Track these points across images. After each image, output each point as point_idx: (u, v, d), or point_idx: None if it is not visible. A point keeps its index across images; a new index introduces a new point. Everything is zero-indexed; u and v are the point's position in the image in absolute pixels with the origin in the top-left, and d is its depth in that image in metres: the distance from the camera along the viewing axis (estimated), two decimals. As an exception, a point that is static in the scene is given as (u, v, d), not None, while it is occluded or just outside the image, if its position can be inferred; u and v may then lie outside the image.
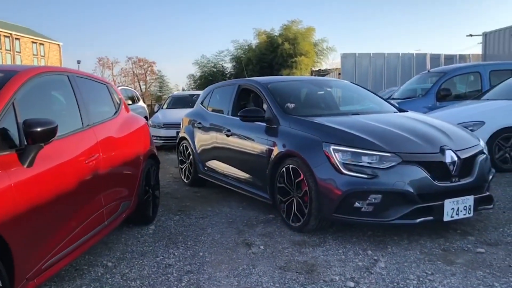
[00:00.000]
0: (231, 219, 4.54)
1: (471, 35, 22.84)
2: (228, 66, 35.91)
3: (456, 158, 3.70)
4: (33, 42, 41.48)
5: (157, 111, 12.70)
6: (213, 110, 6.01)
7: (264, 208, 4.88)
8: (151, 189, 4.43)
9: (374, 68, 17.77)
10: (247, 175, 4.87)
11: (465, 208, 3.65)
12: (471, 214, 3.70)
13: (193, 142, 6.07)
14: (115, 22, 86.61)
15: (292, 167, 3.99)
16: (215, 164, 5.54)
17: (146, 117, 13.64)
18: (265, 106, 4.85)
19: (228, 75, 34.89)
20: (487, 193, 3.93)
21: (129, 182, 3.90)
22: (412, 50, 19.13)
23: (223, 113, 5.60)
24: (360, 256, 3.45)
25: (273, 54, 31.89)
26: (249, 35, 78.37)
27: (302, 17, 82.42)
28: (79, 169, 2.92)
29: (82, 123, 3.24)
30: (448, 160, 3.66)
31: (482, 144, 4.18)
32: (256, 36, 33.90)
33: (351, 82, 6.13)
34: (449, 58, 18.53)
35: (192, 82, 35.46)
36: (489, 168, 4.10)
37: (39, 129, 2.37)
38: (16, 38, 39.01)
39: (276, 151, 4.26)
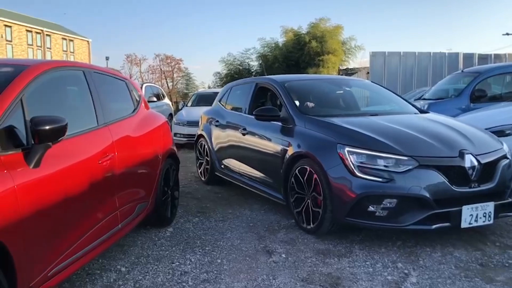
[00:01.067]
0: (251, 223, 4.34)
1: (507, 34, 22.01)
2: (255, 64, 35.72)
3: (476, 163, 3.54)
4: (63, 38, 42.22)
5: (181, 109, 12.62)
6: (230, 108, 5.96)
7: (287, 212, 4.65)
8: (170, 190, 4.27)
9: (404, 68, 17.27)
10: (261, 175, 4.79)
11: (484, 215, 3.48)
12: (491, 221, 3.53)
13: (210, 140, 6.03)
14: (143, 19, 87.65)
15: (306, 168, 3.89)
16: (231, 162, 5.47)
17: (171, 114, 13.59)
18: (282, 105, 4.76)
19: (254, 73, 34.71)
20: (510, 200, 3.70)
21: (146, 183, 3.75)
22: (443, 49, 18.51)
23: (240, 111, 5.53)
24: (390, 269, 3.20)
25: (300, 52, 31.54)
26: (276, 33, 78.07)
27: (330, 15, 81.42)
28: (91, 169, 2.77)
29: (97, 121, 3.09)
30: (467, 164, 3.51)
31: (506, 148, 3.97)
32: (283, 34, 33.61)
33: (372, 82, 5.92)
34: (483, 58, 17.85)
35: (218, 80, 35.42)
36: (511, 173, 3.85)
37: (47, 127, 2.22)
38: (47, 35, 39.77)
39: (290, 151, 4.17)
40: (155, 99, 12.58)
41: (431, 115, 4.71)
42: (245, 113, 5.32)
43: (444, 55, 17.74)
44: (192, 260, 3.39)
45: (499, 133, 6.35)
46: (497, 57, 18.36)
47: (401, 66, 17.26)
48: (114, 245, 3.48)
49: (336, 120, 4.16)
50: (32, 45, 38.05)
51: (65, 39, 42.54)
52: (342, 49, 32.86)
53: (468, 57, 17.59)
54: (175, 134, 10.49)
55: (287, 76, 5.90)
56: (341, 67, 32.62)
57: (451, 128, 4.06)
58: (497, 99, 8.68)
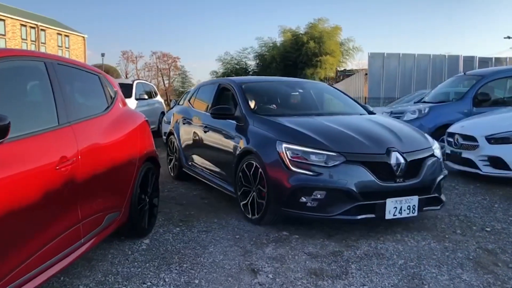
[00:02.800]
0: (238, 235, 3.93)
1: (509, 37, 21.70)
2: (252, 63, 35.41)
3: (402, 160, 3.85)
4: (58, 33, 41.49)
5: (173, 107, 12.19)
6: (196, 107, 6.24)
7: (278, 223, 4.26)
8: (147, 197, 3.86)
9: (403, 70, 16.93)
10: (219, 170, 5.08)
11: (408, 207, 3.81)
12: (415, 214, 3.86)
13: (179, 137, 6.34)
14: (141, 16, 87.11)
15: (252, 163, 4.18)
16: (195, 158, 5.79)
17: (163, 113, 13.16)
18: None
19: (251, 73, 34.37)
20: (435, 195, 4.05)
21: (118, 191, 3.34)
22: (442, 52, 18.20)
23: (204, 110, 5.79)
24: (391, 295, 2.80)
25: (298, 53, 31.24)
26: (274, 32, 77.58)
27: (329, 15, 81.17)
28: (44, 177, 2.35)
29: (58, 120, 2.67)
30: (393, 161, 3.82)
31: (435, 147, 4.29)
32: (281, 33, 33.36)
33: (330, 85, 6.63)
34: (484, 61, 17.52)
35: (215, 78, 35.05)
36: (438, 170, 4.17)
37: (-21, 127, 1.81)
38: (42, 29, 39.05)
39: (240, 147, 4.48)
40: (146, 96, 12.16)
41: (374, 116, 5.02)
42: (207, 112, 5.51)
43: (444, 57, 17.41)
44: (166, 280, 2.98)
45: (504, 139, 6.00)
46: (498, 60, 18.04)
47: (400, 68, 16.92)
48: (81, 259, 3.07)
49: (282, 120, 4.46)
50: (26, 39, 37.37)
51: (60, 34, 41.83)
52: (340, 50, 32.64)
53: (469, 60, 17.26)
54: (165, 134, 10.06)
55: (246, 78, 6.62)
56: (338, 68, 32.33)
57: (385, 128, 4.37)
58: (500, 103, 8.35)
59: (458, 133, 6.46)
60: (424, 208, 3.98)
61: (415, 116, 8.26)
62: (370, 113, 5.25)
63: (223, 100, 5.58)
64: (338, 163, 3.73)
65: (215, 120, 5.09)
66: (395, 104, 11.57)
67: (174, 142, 6.50)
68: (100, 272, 3.09)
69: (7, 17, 35.49)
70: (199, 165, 5.65)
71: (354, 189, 3.67)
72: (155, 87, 14.67)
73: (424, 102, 9.18)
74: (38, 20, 39.04)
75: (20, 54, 2.60)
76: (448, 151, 6.75)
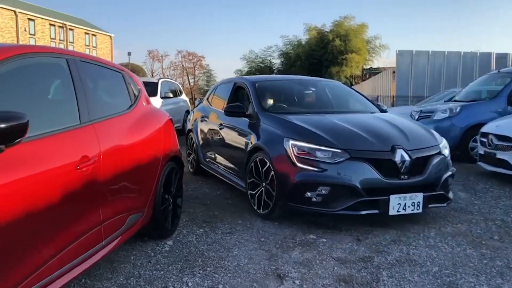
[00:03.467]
0: (263, 238, 3.81)
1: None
2: (276, 62, 35.24)
3: (407, 157, 3.92)
4: (86, 33, 42.19)
5: (198, 105, 12.15)
6: (213, 105, 6.40)
7: (303, 225, 4.13)
8: (171, 198, 3.78)
9: (432, 68, 16.47)
10: (232, 166, 5.22)
11: (413, 204, 3.87)
12: (420, 210, 3.93)
13: (197, 134, 6.54)
14: (166, 15, 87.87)
15: (260, 159, 4.33)
16: (212, 155, 5.96)
17: (187, 111, 13.14)
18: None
19: (275, 71, 34.20)
20: (441, 192, 4.09)
21: (141, 191, 3.26)
22: (473, 49, 17.59)
23: (220, 109, 5.87)
24: (426, 306, 2.64)
25: (323, 51, 30.92)
26: (299, 30, 77.11)
27: (355, 13, 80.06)
28: (65, 177, 2.28)
29: (80, 119, 2.60)
30: (397, 158, 3.89)
31: (442, 145, 4.33)
32: (306, 31, 33.09)
33: (343, 84, 6.51)
34: (518, 58, 16.90)
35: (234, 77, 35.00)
36: (445, 168, 4.20)
37: (-4, 126, 1.73)
38: (70, 29, 39.77)
39: (251, 144, 4.61)
40: (171, 95, 12.17)
41: (384, 114, 5.09)
42: (223, 110, 5.56)
43: (475, 55, 16.87)
44: (190, 284, 2.88)
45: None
46: (533, 57, 17.35)
47: (429, 65, 16.47)
48: (103, 261, 3.01)
49: (291, 117, 4.56)
50: (54, 39, 38.10)
51: (88, 33, 42.51)
52: (366, 48, 32.16)
53: (502, 58, 16.67)
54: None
55: (260, 77, 6.61)
56: (364, 66, 31.86)
57: (393, 126, 4.44)
58: (536, 102, 7.97)
59: (492, 133, 6.19)
60: (430, 205, 4.04)
61: (446, 115, 7.99)
62: (383, 111, 5.35)
63: (239, 98, 5.72)
64: (343, 160, 3.83)
65: (230, 118, 5.25)
66: (424, 103, 11.25)
67: (193, 139, 6.71)
68: (122, 274, 3.01)
69: (36, 17, 36.31)
70: (215, 161, 5.81)
71: (358, 185, 3.76)
72: (180, 86, 14.68)
73: (455, 101, 8.88)
74: (67, 20, 39.76)
75: (42, 50, 2.54)
76: (481, 152, 6.49)
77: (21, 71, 2.29)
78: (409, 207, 3.87)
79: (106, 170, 2.68)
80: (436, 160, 4.11)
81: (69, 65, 2.67)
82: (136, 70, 47.29)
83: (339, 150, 3.87)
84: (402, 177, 3.88)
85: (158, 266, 3.17)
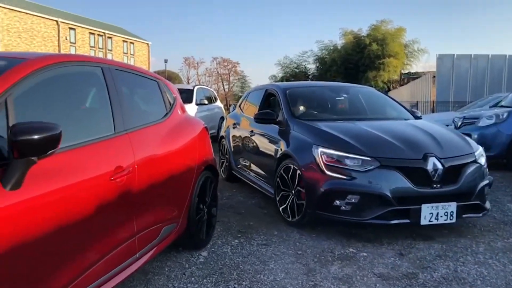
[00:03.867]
0: (300, 250, 3.67)
1: None
2: (311, 67, 34.99)
3: (439, 166, 3.80)
4: (124, 41, 43.27)
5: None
6: (245, 112, 6.43)
7: (342, 238, 3.96)
8: (205, 207, 3.70)
9: (475, 72, 15.87)
10: (263, 173, 5.20)
11: (446, 214, 3.75)
12: (454, 220, 3.80)
13: (229, 141, 6.56)
14: (202, 23, 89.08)
15: (289, 166, 4.30)
16: (243, 161, 5.96)
17: (222, 118, 13.15)
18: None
19: (310, 76, 33.96)
20: (476, 202, 3.94)
21: (176, 201, 3.19)
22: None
23: (252, 115, 5.85)
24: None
25: (360, 55, 30.49)
26: (335, 35, 76.34)
27: (393, 17, 78.76)
28: (98, 189, 2.23)
29: (115, 128, 2.56)
30: (429, 167, 3.78)
31: (478, 153, 4.19)
32: (342, 36, 32.75)
33: (378, 90, 6.49)
34: None
35: (273, 82, 34.93)
36: (480, 177, 4.05)
37: (29, 137, 1.69)
38: (108, 37, 40.89)
39: (280, 151, 4.60)
40: (206, 102, 12.19)
41: (418, 121, 4.94)
42: (253, 116, 5.59)
43: (521, 58, 16.13)
44: (224, 299, 2.78)
45: None
46: None
47: (472, 69, 15.88)
48: (137, 272, 2.94)
49: (321, 124, 4.51)
50: (94, 47, 39.27)
51: (126, 41, 43.57)
52: (404, 52, 31.51)
53: (550, 61, 15.89)
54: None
55: (291, 83, 6.65)
56: (402, 71, 31.18)
57: (426, 133, 4.31)
58: None
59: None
60: (464, 215, 3.91)
61: (492, 121, 7.61)
62: (417, 118, 5.23)
63: (270, 105, 5.74)
64: (373, 168, 3.76)
65: (261, 125, 5.25)
66: (467, 109, 10.81)
67: (225, 145, 6.76)
68: (156, 287, 2.94)
69: (77, 26, 37.53)
70: (246, 168, 5.83)
71: (388, 194, 3.67)
72: (215, 93, 14.74)
73: (502, 106, 8.46)
74: (106, 28, 40.90)
75: (77, 59, 2.51)
76: (532, 160, 6.12)
77: (56, 80, 2.26)
78: (441, 216, 3.75)
79: (141, 180, 2.62)
80: (471, 168, 3.98)
81: (104, 73, 2.64)
82: (172, 77, 48.02)
83: (369, 158, 3.80)
84: (435, 185, 3.77)
85: (193, 278, 3.09)
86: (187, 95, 11.83)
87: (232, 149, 6.41)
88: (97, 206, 2.20)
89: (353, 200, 3.76)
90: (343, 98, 5.80)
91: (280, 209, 4.42)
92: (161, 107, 3.37)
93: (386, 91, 7.10)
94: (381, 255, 3.56)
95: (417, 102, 17.29)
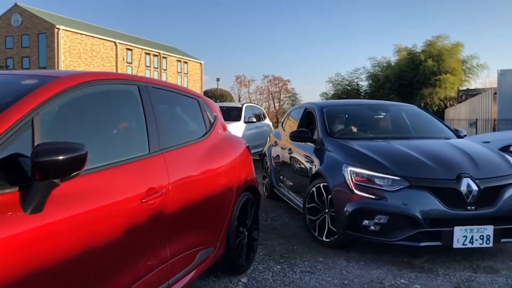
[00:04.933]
0: (346, 280, 3.41)
1: None
2: (364, 84, 34.35)
3: (474, 187, 3.66)
4: (178, 60, 44.55)
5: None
6: (286, 130, 6.40)
7: (393, 266, 3.67)
8: (246, 230, 3.53)
9: (539, 88, 14.86)
10: (299, 191, 5.09)
11: (481, 237, 3.58)
12: (490, 245, 3.62)
13: (270, 159, 6.59)
14: (254, 41, 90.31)
15: (320, 185, 4.25)
16: (282, 179, 5.97)
17: (270, 136, 13.01)
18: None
19: (363, 93, 33.32)
20: None
21: (213, 224, 3.05)
22: None
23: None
24: None
25: (414, 72, 29.59)
26: (388, 52, 75.05)
27: (449, 31, 76.35)
28: (128, 212, 2.12)
29: (149, 148, 2.46)
30: (463, 187, 3.64)
31: None
32: (396, 52, 32.01)
33: (419, 108, 6.17)
34: None
35: (324, 100, 34.57)
36: None
37: (51, 159, 1.61)
38: (163, 57, 42.32)
39: (314, 169, 4.60)
40: (254, 119, 12.13)
41: (458, 141, 4.79)
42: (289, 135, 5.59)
43: None
44: (261, 333, 2.58)
45: None
46: None
47: (536, 85, 14.88)
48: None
49: (354, 143, 4.45)
50: (149, 66, 40.72)
51: (180, 61, 44.83)
52: (462, 68, 30.27)
53: None
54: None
55: (330, 102, 7.29)
56: (460, 88, 29.90)
57: (464, 153, 4.16)
58: None
59: None
60: (503, 240, 3.74)
61: None
62: (460, 137, 5.09)
63: (309, 123, 5.64)
64: (402, 188, 3.68)
65: (298, 143, 5.26)
66: (532, 127, 10.07)
67: (267, 163, 6.78)
68: (190, 315, 2.80)
69: (134, 47, 39.13)
70: (285, 186, 5.84)
71: (418, 214, 3.56)
72: (263, 110, 14.66)
73: None
74: (160, 49, 42.35)
75: (111, 77, 2.45)
76: None
77: (89, 98, 2.20)
78: (476, 240, 3.58)
79: (175, 203, 2.51)
80: (510, 190, 3.79)
81: (140, 91, 2.57)
82: (224, 95, 48.76)
83: (398, 178, 3.73)
84: (469, 207, 3.62)
85: (229, 307, 2.92)
86: (235, 113, 11.83)
87: (274, 167, 6.42)
88: (125, 231, 2.09)
89: (382, 221, 3.67)
90: (382, 116, 5.75)
91: (311, 227, 4.37)
92: (200, 126, 3.26)
93: (427, 109, 6.66)
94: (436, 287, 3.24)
95: (476, 120, 16.41)
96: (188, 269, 2.71)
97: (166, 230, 2.44)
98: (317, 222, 4.28)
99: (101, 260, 1.94)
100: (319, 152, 4.68)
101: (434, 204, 3.59)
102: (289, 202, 5.53)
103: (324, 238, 4.18)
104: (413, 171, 3.80)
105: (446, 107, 28.67)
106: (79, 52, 35.13)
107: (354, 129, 5.26)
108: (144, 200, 2.23)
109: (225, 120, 12.21)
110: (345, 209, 3.84)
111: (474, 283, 3.35)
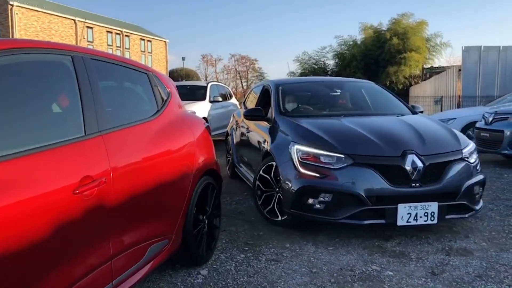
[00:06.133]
0: (314, 268, 3.17)
1: None
2: (330, 63, 34.23)
3: (419, 163, 3.62)
4: (141, 39, 43.11)
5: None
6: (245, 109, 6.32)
7: (364, 252, 3.46)
8: (206, 218, 3.23)
9: (504, 64, 15.01)
10: (253, 170, 5.02)
11: (426, 214, 3.56)
12: (435, 221, 3.59)
13: (232, 138, 6.52)
14: (220, 20, 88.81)
15: (270, 164, 4.17)
16: (241, 159, 5.93)
17: (237, 115, 12.68)
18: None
19: (329, 72, 33.25)
20: (461, 202, 3.72)
21: (167, 214, 2.73)
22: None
23: None
24: None
25: (380, 50, 29.65)
26: (354, 30, 75.17)
27: (414, 10, 77.04)
28: (55, 206, 1.77)
29: (85, 129, 2.10)
30: (407, 164, 3.60)
31: (467, 150, 3.95)
32: (361, 31, 31.92)
33: (377, 84, 5.98)
34: None
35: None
36: (467, 175, 3.80)
37: None
38: (126, 35, 40.84)
39: (265, 148, 4.54)
40: (220, 99, 11.75)
41: (411, 117, 4.72)
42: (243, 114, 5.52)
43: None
44: (221, 335, 2.31)
45: None
46: None
47: (500, 62, 15.02)
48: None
49: (304, 121, 4.37)
50: (111, 45, 39.22)
51: (143, 39, 43.40)
52: (426, 46, 30.52)
53: None
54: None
55: (286, 79, 6.80)
56: (425, 66, 30.21)
57: (413, 129, 4.10)
58: None
59: None
60: (447, 216, 3.69)
61: (528, 117, 6.98)
62: (414, 113, 5.02)
63: (266, 101, 5.52)
64: (345, 166, 3.61)
65: (256, 122, 5.15)
66: (496, 103, 10.11)
67: (229, 142, 6.72)
68: (142, 316, 2.49)
69: (95, 24, 37.56)
70: (243, 166, 5.79)
71: (362, 192, 3.51)
72: (230, 89, 14.27)
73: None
74: (123, 27, 40.77)
75: (38, 46, 2.06)
76: None
77: (7, 70, 1.81)
78: (421, 217, 3.54)
79: (118, 192, 2.17)
80: (456, 166, 3.75)
81: (74, 63, 2.19)
82: (190, 74, 47.82)
83: (342, 155, 3.66)
84: (413, 184, 3.56)
85: (187, 305, 2.63)
86: (201, 92, 11.42)
87: (235, 146, 6.36)
88: (53, 227, 1.74)
89: (326, 199, 3.62)
90: (337, 93, 5.69)
91: (263, 211, 4.20)
92: (151, 104, 2.90)
93: (384, 86, 6.66)
94: (409, 275, 3.04)
95: (441, 97, 16.52)
96: (137, 266, 2.38)
97: (107, 224, 2.11)
98: (269, 202, 4.16)
99: (22, 265, 1.60)
100: (272, 131, 4.58)
101: (378, 181, 3.54)
102: (247, 182, 5.39)
103: (274, 218, 4.10)
104: (358, 148, 3.75)
105: (411, 85, 28.93)
106: (36, 31, 33.42)
107: (309, 107, 5.27)
108: (77, 191, 1.88)
109: (190, 99, 11.78)
110: (290, 187, 3.76)
111: (448, 266, 3.17)
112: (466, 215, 3.81)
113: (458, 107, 14.61)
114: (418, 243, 3.65)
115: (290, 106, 5.13)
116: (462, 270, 3.10)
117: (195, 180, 3.02)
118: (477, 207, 3.92)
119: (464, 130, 9.06)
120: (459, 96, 15.27)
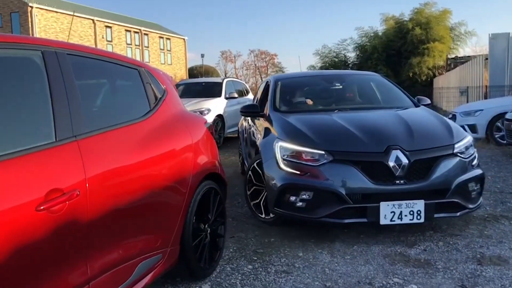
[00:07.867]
0: (329, 282, 2.85)
1: None
2: (351, 55, 33.52)
3: (404, 159, 3.43)
4: (160, 37, 42.93)
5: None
6: None
7: (384, 261, 3.12)
8: (208, 227, 2.94)
9: (534, 51, 14.25)
10: None
11: (411, 213, 3.36)
12: (422, 220, 3.38)
13: (242, 135, 6.40)
14: (239, 16, 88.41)
15: (259, 162, 4.06)
16: (248, 154, 5.69)
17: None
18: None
19: (350, 65, 32.59)
20: (452, 200, 3.48)
21: (159, 225, 2.44)
22: None
23: None
24: None
25: (402, 41, 28.84)
26: (375, 21, 73.84)
27: None
28: (15, 225, 1.51)
29: (55, 134, 1.83)
30: (391, 161, 3.42)
31: (460, 145, 3.68)
32: (383, 22, 31.10)
33: (383, 77, 5.66)
34: None
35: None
36: (458, 172, 3.54)
37: None
38: (145, 34, 40.72)
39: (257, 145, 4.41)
40: (236, 95, 11.47)
41: (407, 111, 4.49)
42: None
43: None
44: None
45: None
46: None
47: (530, 49, 14.26)
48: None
49: (292, 117, 4.26)
50: (130, 44, 39.23)
51: (162, 37, 43.21)
52: (450, 36, 29.56)
53: None
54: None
55: (286, 74, 6.71)
56: (449, 56, 29.30)
57: (403, 123, 3.92)
58: None
59: None
60: (436, 215, 3.45)
61: None
62: (417, 106, 4.76)
63: (266, 97, 5.36)
64: (325, 162, 3.48)
65: (257, 118, 5.05)
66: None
67: (240, 139, 6.72)
68: None
69: (113, 24, 37.59)
70: (249, 161, 5.71)
71: (342, 190, 3.37)
72: (246, 85, 13.96)
73: None
74: (142, 25, 40.67)
75: (3, 40, 1.79)
76: None
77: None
78: (406, 216, 3.35)
79: (96, 205, 1.89)
80: (446, 162, 3.53)
81: (45, 59, 1.92)
82: (210, 71, 47.66)
83: (322, 152, 3.52)
84: (397, 181, 3.38)
85: (183, 328, 2.35)
86: (216, 89, 11.18)
87: (244, 142, 6.23)
88: (8, 251, 1.48)
89: (307, 197, 3.48)
90: (337, 87, 5.51)
91: (253, 207, 4.17)
92: (142, 103, 2.61)
93: (386, 77, 6.23)
94: (435, 287, 2.69)
95: (467, 87, 15.84)
96: (124, 286, 2.11)
97: (83, 243, 1.84)
98: (258, 199, 4.11)
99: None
100: (265, 127, 4.48)
101: (358, 178, 3.38)
102: None
103: (259, 214, 4.08)
104: (339, 145, 3.60)
105: (434, 76, 28.08)
106: (56, 32, 33.61)
107: (309, 102, 5.12)
108: (42, 207, 1.62)
109: (205, 96, 11.54)
110: (273, 185, 3.65)
111: (481, 278, 2.81)
112: (457, 214, 3.53)
113: (485, 97, 13.95)
114: (445, 250, 3.30)
115: (288, 101, 5.04)
116: (497, 283, 2.74)
117: (193, 186, 2.72)
118: (473, 205, 3.63)
119: (492, 122, 8.57)
120: (486, 86, 14.57)
